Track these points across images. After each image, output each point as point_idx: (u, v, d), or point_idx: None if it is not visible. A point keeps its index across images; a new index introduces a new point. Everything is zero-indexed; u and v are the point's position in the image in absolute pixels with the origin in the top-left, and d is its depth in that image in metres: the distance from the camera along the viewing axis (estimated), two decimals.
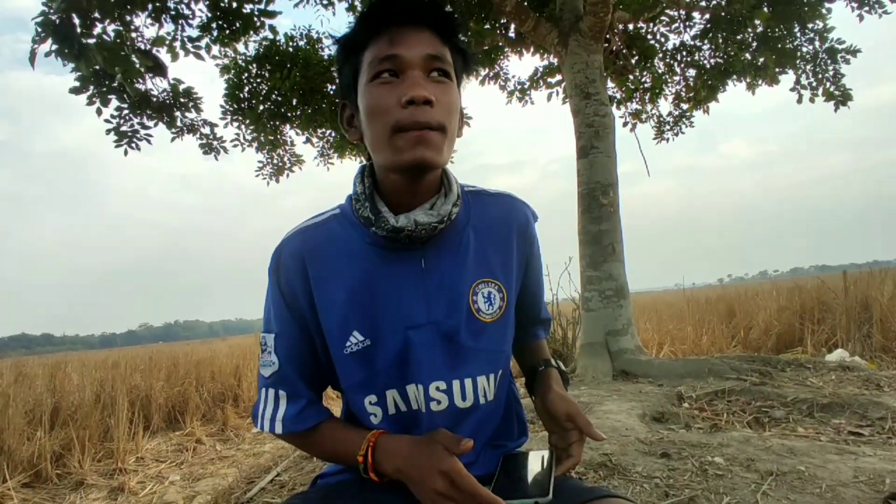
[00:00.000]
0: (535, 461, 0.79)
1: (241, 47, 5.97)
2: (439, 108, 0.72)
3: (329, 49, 6.36)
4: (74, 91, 4.30)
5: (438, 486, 0.66)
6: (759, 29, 5.80)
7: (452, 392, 0.80)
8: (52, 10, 3.47)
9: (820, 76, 5.90)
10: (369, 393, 0.81)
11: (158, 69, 4.72)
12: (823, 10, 5.47)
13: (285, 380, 0.82)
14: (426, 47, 0.73)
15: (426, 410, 0.80)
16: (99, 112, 4.54)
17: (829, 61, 5.82)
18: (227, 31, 4.98)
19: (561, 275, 4.99)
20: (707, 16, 6.06)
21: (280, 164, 7.17)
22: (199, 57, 4.90)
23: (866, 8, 5.38)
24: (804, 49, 5.83)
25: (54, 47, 3.52)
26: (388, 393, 0.81)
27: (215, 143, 5.80)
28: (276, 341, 0.82)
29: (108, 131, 4.86)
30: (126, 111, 4.93)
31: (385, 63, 0.73)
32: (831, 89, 5.88)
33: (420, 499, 0.68)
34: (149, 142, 5.06)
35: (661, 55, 6.65)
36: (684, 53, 6.55)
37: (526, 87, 7.27)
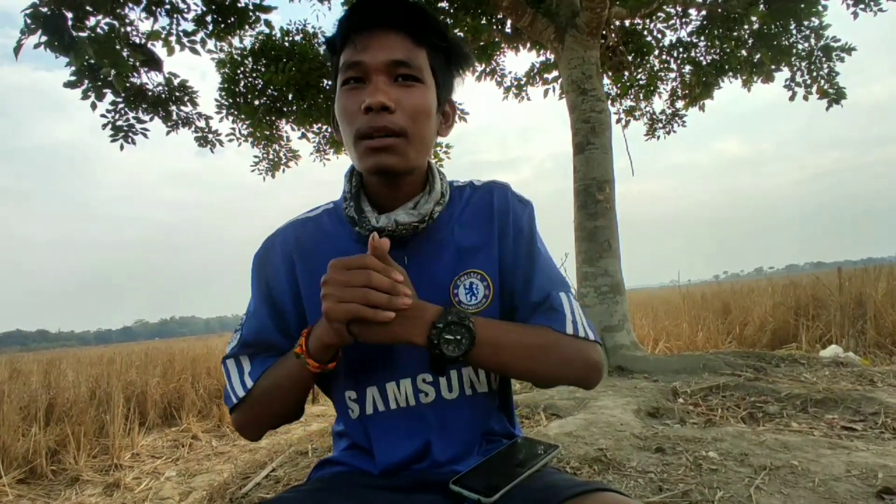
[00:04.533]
0: (530, 456, 0.79)
1: (236, 41, 5.95)
2: (401, 113, 0.72)
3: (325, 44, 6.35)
4: (69, 85, 4.27)
5: (324, 278, 0.66)
6: (755, 26, 5.81)
7: (439, 384, 0.81)
8: (42, 2, 3.44)
9: (814, 74, 5.92)
10: (349, 388, 0.83)
11: (153, 63, 4.70)
12: (819, 8, 5.48)
13: (248, 347, 0.84)
14: (391, 52, 0.73)
15: (416, 403, 0.80)
16: (94, 106, 4.51)
17: (823, 59, 5.83)
18: (223, 26, 4.96)
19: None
20: (703, 12, 6.07)
21: (276, 159, 7.15)
22: (194, 51, 4.88)
23: (861, 5, 5.39)
24: (800, 46, 5.85)
25: (44, 39, 3.49)
26: (368, 390, 0.81)
27: (210, 136, 5.77)
28: (246, 321, 0.85)
29: (104, 126, 4.84)
30: (121, 105, 4.91)
31: (350, 70, 0.74)
32: (825, 87, 5.90)
33: (332, 324, 0.66)
34: (145, 136, 5.04)
35: (657, 52, 6.65)
36: (680, 50, 6.56)
37: (522, 83, 7.26)
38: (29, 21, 3.39)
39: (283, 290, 0.83)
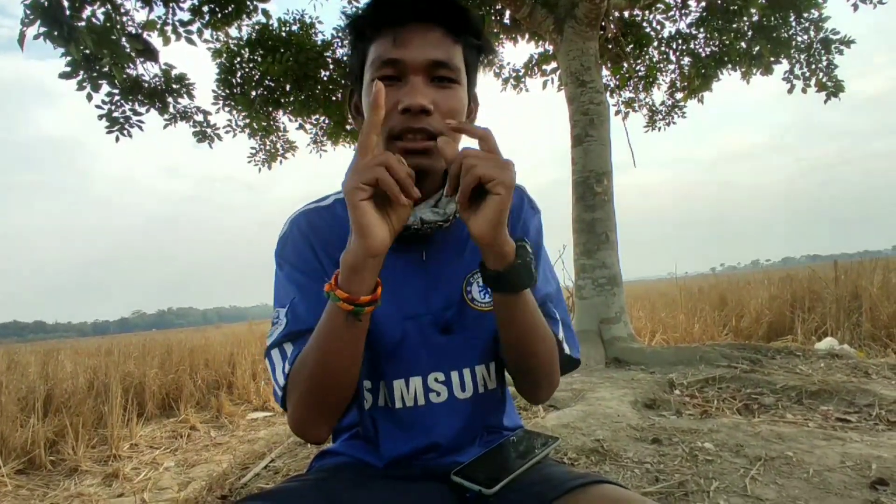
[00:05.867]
0: (530, 448, 0.80)
1: (233, 31, 5.90)
2: (438, 116, 0.70)
3: (322, 34, 6.29)
4: (64, 76, 4.23)
5: (353, 168, 0.61)
6: (755, 18, 5.79)
7: (451, 383, 0.81)
8: None
9: (813, 66, 5.91)
10: (365, 377, 0.82)
11: (149, 53, 4.66)
12: (819, 0, 5.46)
13: (290, 335, 0.76)
14: (431, 52, 0.70)
15: (425, 402, 0.80)
16: (90, 97, 4.48)
17: (822, 51, 5.82)
18: (219, 15, 4.92)
19: (555, 263, 5.00)
20: (703, 4, 6.04)
21: (273, 150, 7.12)
22: (190, 42, 4.84)
23: None
24: (799, 39, 5.83)
25: (43, 30, 3.46)
26: (380, 384, 0.81)
27: (209, 130, 5.74)
28: (290, 308, 0.77)
29: (100, 117, 4.81)
30: (117, 97, 4.87)
31: (387, 67, 0.71)
32: (824, 80, 5.89)
33: (354, 202, 0.60)
34: (141, 128, 5.01)
35: (656, 43, 6.63)
36: (680, 41, 6.54)
37: (521, 74, 7.23)
38: (28, 11, 3.36)
39: (317, 267, 0.79)
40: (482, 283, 0.79)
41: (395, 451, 0.80)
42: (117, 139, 4.91)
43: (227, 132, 6.35)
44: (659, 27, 6.54)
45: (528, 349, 0.76)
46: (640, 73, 6.82)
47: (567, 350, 0.84)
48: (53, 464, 3.68)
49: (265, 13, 5.39)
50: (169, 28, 4.74)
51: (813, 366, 3.35)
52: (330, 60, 6.19)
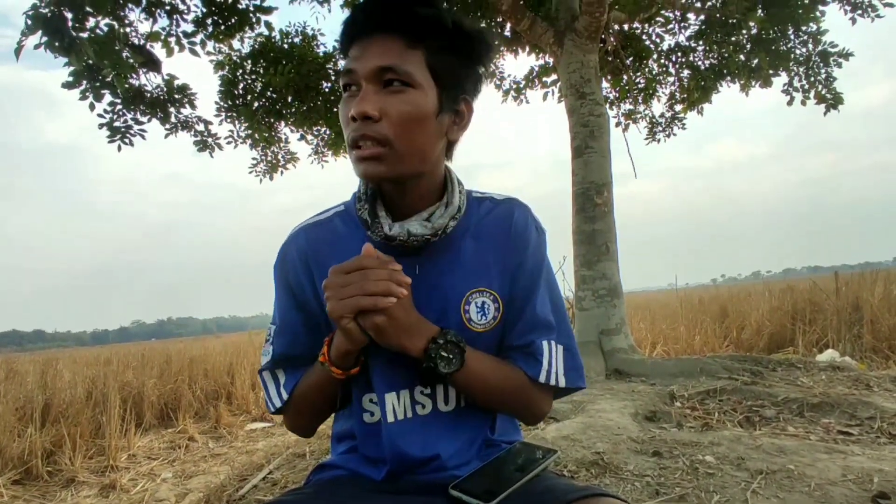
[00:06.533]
0: (529, 460, 0.79)
1: (236, 43, 5.94)
2: (387, 122, 0.71)
3: (324, 46, 6.35)
4: (67, 86, 4.26)
5: (325, 284, 0.71)
6: (754, 31, 5.83)
7: (436, 396, 0.82)
8: (43, 4, 3.44)
9: (812, 79, 5.94)
10: (368, 391, 0.82)
11: (152, 64, 4.70)
12: (817, 13, 5.50)
13: (281, 362, 0.87)
14: (378, 59, 0.71)
15: (413, 415, 0.81)
16: (92, 107, 4.50)
17: (821, 64, 5.86)
18: (223, 27, 4.96)
19: (555, 274, 5.00)
20: (702, 17, 6.09)
21: (274, 161, 7.14)
22: (194, 53, 4.88)
23: (859, 11, 5.42)
24: (797, 51, 5.87)
25: (44, 40, 3.49)
26: (387, 396, 0.81)
27: (209, 139, 5.77)
28: (276, 333, 0.86)
29: (101, 126, 4.83)
30: (119, 106, 4.90)
31: (345, 77, 0.75)
32: (823, 92, 5.92)
33: (339, 323, 0.70)
34: (142, 137, 5.03)
35: (655, 56, 6.68)
36: (679, 54, 6.58)
37: (521, 86, 7.28)
38: (30, 22, 3.39)
39: (307, 293, 0.83)
40: (479, 304, 0.81)
41: (397, 463, 0.80)
42: (119, 148, 4.92)
43: (228, 142, 6.38)
44: (658, 40, 6.59)
45: (487, 406, 0.85)
46: (639, 86, 6.86)
47: (562, 383, 0.83)
48: (50, 474, 3.66)
49: (268, 25, 5.42)
50: (172, 39, 4.79)
51: (814, 378, 3.34)
52: (332, 72, 6.24)
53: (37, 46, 3.51)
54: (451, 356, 0.74)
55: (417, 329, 0.74)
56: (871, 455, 1.92)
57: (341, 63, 0.78)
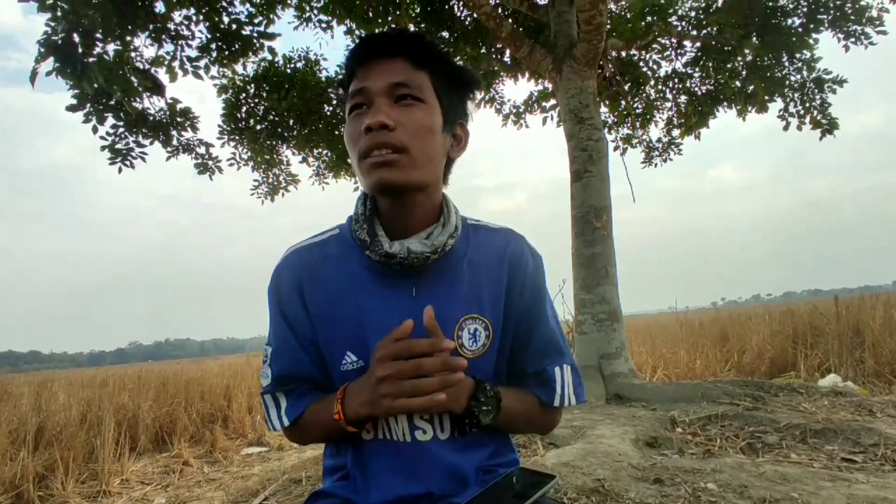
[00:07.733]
0: (527, 487, 0.78)
1: (239, 68, 6.04)
2: (402, 131, 0.74)
3: (326, 70, 6.45)
4: (71, 108, 4.32)
5: (377, 373, 0.70)
6: (749, 58, 5.93)
7: (434, 422, 0.81)
8: (55, 32, 3.52)
9: (807, 104, 6.03)
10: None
11: (156, 88, 4.77)
12: (811, 41, 5.61)
13: (280, 384, 0.86)
14: (391, 76, 0.76)
15: (411, 440, 0.80)
16: (95, 130, 4.56)
17: (816, 90, 5.95)
18: (227, 53, 5.05)
19: (554, 298, 4.99)
20: (698, 44, 6.20)
21: (276, 183, 7.20)
22: (198, 76, 4.95)
23: (852, 39, 5.52)
24: (792, 78, 5.97)
25: (56, 66, 3.56)
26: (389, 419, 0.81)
27: (210, 162, 5.82)
28: (273, 355, 0.86)
29: (103, 148, 4.88)
30: (122, 129, 4.96)
31: (356, 97, 0.77)
32: (818, 117, 6.00)
33: (379, 410, 0.71)
34: (143, 160, 5.08)
35: (652, 82, 6.78)
36: (676, 80, 6.69)
37: (521, 110, 7.37)
38: (42, 49, 3.46)
39: (300, 316, 0.84)
40: (472, 331, 0.81)
41: (387, 492, 0.79)
42: (120, 170, 4.96)
43: (230, 164, 6.44)
44: (655, 66, 6.71)
45: (509, 431, 0.91)
46: (637, 111, 6.96)
47: (573, 402, 0.88)
48: (42, 499, 3.59)
49: (271, 51, 5.52)
50: (176, 64, 4.86)
51: (816, 403, 3.30)
52: (333, 96, 6.33)
53: (48, 73, 3.57)
54: (489, 407, 0.77)
55: (458, 390, 0.76)
56: (876, 483, 1.89)
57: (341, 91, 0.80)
